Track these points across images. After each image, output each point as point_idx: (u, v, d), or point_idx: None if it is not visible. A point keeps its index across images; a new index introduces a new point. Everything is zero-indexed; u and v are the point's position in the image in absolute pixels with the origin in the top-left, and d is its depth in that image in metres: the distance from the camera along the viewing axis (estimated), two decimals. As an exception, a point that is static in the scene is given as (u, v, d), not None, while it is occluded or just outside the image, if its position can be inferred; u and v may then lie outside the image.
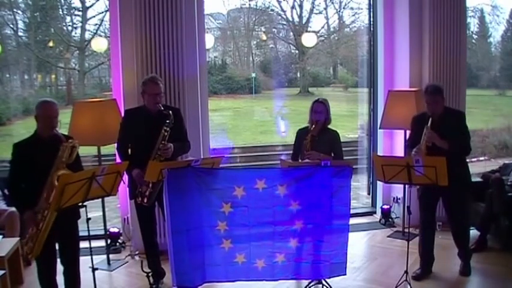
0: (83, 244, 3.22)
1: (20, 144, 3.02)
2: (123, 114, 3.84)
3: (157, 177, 3.21)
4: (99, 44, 14.02)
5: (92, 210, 3.31)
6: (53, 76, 16.71)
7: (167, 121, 3.38)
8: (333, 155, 3.73)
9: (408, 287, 3.51)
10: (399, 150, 4.86)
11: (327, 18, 17.83)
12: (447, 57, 4.85)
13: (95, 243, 4.07)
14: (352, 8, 17.90)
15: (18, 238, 3.89)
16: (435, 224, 3.90)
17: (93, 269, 3.10)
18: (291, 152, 3.95)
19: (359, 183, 6.86)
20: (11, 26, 14.31)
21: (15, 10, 14.37)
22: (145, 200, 3.43)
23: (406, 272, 3.53)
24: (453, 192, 3.53)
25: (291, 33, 18.13)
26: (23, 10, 14.85)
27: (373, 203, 5.61)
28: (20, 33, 14.86)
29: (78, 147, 3.03)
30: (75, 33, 15.47)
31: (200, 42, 4.47)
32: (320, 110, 3.74)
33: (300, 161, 3.74)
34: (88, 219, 3.02)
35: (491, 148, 12.17)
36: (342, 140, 3.84)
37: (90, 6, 14.88)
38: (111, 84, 4.77)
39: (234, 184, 3.23)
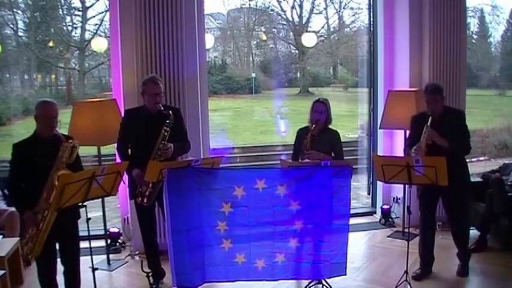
0: (83, 244, 3.22)
1: (20, 144, 3.02)
2: (123, 114, 3.84)
3: (157, 177, 3.21)
4: (99, 44, 14.02)
5: (92, 210, 3.31)
6: (53, 76, 16.72)
7: (167, 121, 3.38)
8: (333, 155, 3.73)
9: (408, 287, 3.51)
10: (399, 150, 4.85)
11: (327, 18, 17.87)
12: (447, 57, 4.85)
13: (95, 243, 4.07)
14: (352, 8, 17.95)
15: (18, 238, 3.89)
16: (435, 224, 3.90)
17: (93, 269, 3.10)
18: (291, 151, 3.95)
19: (359, 183, 6.86)
20: (11, 26, 14.34)
21: (15, 10, 14.39)
22: (145, 200, 3.43)
23: (406, 272, 3.53)
24: (453, 192, 3.53)
25: (291, 33, 18.14)
26: (23, 10, 14.87)
27: (373, 203, 5.61)
28: (20, 33, 14.89)
29: (78, 148, 3.03)
30: (75, 33, 15.51)
31: (200, 42, 4.47)
32: (320, 110, 3.74)
33: (300, 160, 3.74)
34: (88, 219, 3.02)
35: (491, 148, 12.17)
36: (342, 140, 3.84)
37: (90, 6, 14.92)
38: (111, 84, 4.77)
39: (234, 184, 3.23)
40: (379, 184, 5.32)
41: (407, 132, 4.00)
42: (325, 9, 17.70)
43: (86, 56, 15.64)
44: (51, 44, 15.00)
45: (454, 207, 3.72)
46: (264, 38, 18.67)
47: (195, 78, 4.42)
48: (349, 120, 12.68)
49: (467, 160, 3.78)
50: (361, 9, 16.41)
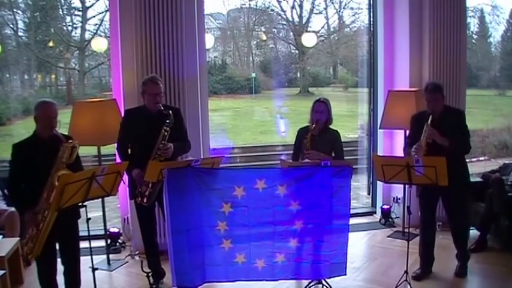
0: (83, 244, 3.22)
1: (20, 144, 3.02)
2: (123, 114, 3.84)
3: (157, 177, 3.21)
4: (99, 44, 14.02)
5: (92, 210, 3.31)
6: (53, 76, 16.73)
7: (167, 121, 3.38)
8: (333, 154, 3.73)
9: (408, 287, 3.51)
10: (399, 150, 4.85)
11: (327, 18, 17.88)
12: (447, 57, 4.85)
13: (95, 243, 4.07)
14: (352, 8, 17.96)
15: (18, 238, 3.89)
16: (435, 224, 3.90)
17: (93, 269, 3.10)
18: (291, 151, 3.95)
19: (359, 183, 6.86)
20: (11, 26, 14.35)
21: (15, 10, 14.40)
22: (145, 200, 3.43)
23: (406, 272, 3.53)
24: (453, 192, 3.53)
25: (291, 33, 18.15)
26: (23, 10, 14.88)
27: (373, 203, 5.61)
28: (20, 33, 14.89)
29: (78, 148, 3.03)
30: (75, 33, 15.52)
31: (200, 42, 4.47)
32: (321, 110, 3.73)
33: (300, 160, 3.73)
34: (88, 219, 3.02)
35: (491, 148, 12.17)
36: (342, 140, 3.83)
37: (90, 6, 14.93)
38: (111, 84, 4.77)
39: (234, 184, 3.23)
40: (379, 184, 5.32)
41: (407, 132, 4.00)
42: (325, 9, 17.74)
43: (86, 56, 15.65)
44: (51, 44, 15.01)
45: (454, 207, 3.72)
46: (264, 38, 18.68)
47: (195, 78, 4.42)
48: (349, 120, 12.68)
49: (467, 160, 3.79)
50: (361, 9, 16.45)
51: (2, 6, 14.10)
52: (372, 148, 5.57)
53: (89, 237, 3.05)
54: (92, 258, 3.10)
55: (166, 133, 3.37)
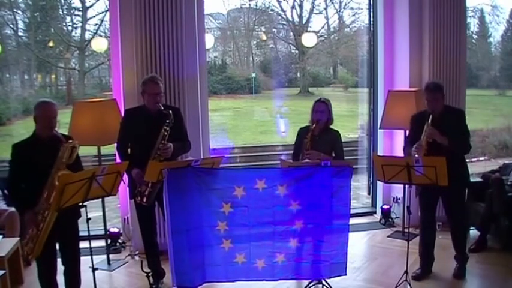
0: (83, 244, 3.22)
1: (19, 145, 3.02)
2: (123, 114, 3.84)
3: (158, 177, 3.21)
4: (99, 44, 14.02)
5: (92, 210, 3.31)
6: (53, 76, 16.73)
7: (167, 121, 3.38)
8: (333, 155, 3.73)
9: (408, 287, 3.50)
10: (399, 150, 4.85)
11: (327, 18, 17.88)
12: (447, 57, 4.85)
13: (95, 243, 4.07)
14: (352, 8, 17.96)
15: (18, 238, 3.89)
16: (435, 224, 3.90)
17: (93, 269, 3.10)
18: (291, 151, 3.95)
19: (359, 183, 6.86)
20: (11, 26, 14.34)
21: (15, 10, 14.39)
22: (144, 200, 3.43)
23: (406, 272, 3.53)
24: (453, 192, 3.53)
25: (291, 33, 18.15)
26: (23, 10, 14.88)
27: (373, 203, 5.61)
28: (20, 33, 14.89)
29: (78, 148, 3.03)
30: (75, 33, 15.52)
31: (200, 42, 4.47)
32: (322, 110, 3.73)
33: (300, 160, 3.73)
34: (88, 219, 3.02)
35: (491, 148, 12.17)
36: (342, 140, 3.83)
37: (90, 6, 14.93)
38: (111, 84, 4.77)
39: (234, 184, 3.23)
40: (379, 184, 5.32)
41: (407, 131, 4.00)
42: (325, 9, 17.74)
43: (86, 56, 15.65)
44: (51, 44, 15.01)
45: (454, 207, 3.72)
46: (264, 38, 18.68)
47: (195, 78, 4.42)
48: (349, 120, 12.68)
49: (467, 160, 3.78)
50: (361, 9, 16.45)
51: (2, 6, 14.10)
52: (372, 148, 5.57)
53: (89, 237, 3.05)
54: (92, 258, 3.10)
55: (166, 133, 3.37)
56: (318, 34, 17.38)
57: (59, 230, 2.91)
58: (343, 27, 18.12)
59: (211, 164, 3.39)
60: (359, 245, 4.62)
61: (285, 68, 18.37)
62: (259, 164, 10.89)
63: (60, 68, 16.20)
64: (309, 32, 17.13)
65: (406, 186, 3.69)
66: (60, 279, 3.16)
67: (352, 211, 3.50)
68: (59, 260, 3.14)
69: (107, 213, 4.45)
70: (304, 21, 17.74)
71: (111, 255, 4.35)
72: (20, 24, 14.72)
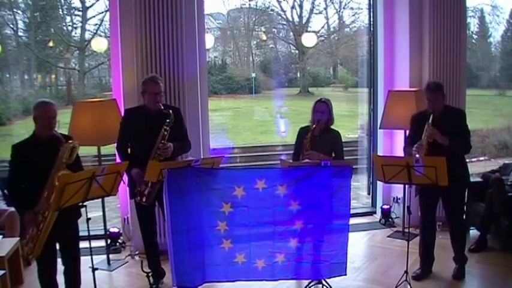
0: (83, 244, 3.22)
1: (19, 145, 3.01)
2: (123, 114, 3.84)
3: (158, 177, 3.21)
4: (99, 44, 14.03)
5: (92, 210, 3.31)
6: (53, 76, 16.73)
7: (167, 120, 3.38)
8: (333, 155, 3.73)
9: (408, 287, 3.51)
10: (399, 150, 4.85)
11: (327, 18, 17.88)
12: (447, 57, 4.85)
13: (95, 243, 4.07)
14: (352, 8, 17.96)
15: (18, 238, 3.89)
16: (435, 224, 3.89)
17: (93, 269, 3.10)
18: (291, 151, 3.95)
19: (359, 183, 6.86)
20: (11, 26, 14.34)
21: (15, 10, 14.39)
22: (144, 199, 3.42)
23: (406, 272, 3.53)
24: (453, 192, 3.53)
25: (291, 33, 18.15)
26: (23, 10, 14.88)
27: (373, 203, 5.61)
28: (20, 33, 14.89)
29: (78, 148, 3.03)
30: (75, 33, 15.52)
31: (200, 42, 4.47)
32: (322, 110, 3.73)
33: (300, 160, 3.73)
34: (88, 219, 3.02)
35: (491, 148, 12.17)
36: (342, 140, 3.83)
37: (90, 6, 14.93)
38: (111, 84, 4.77)
39: (234, 184, 3.23)
40: (379, 184, 5.32)
41: (407, 131, 4.00)
42: (325, 9, 17.74)
43: (86, 56, 15.65)
44: (51, 44, 15.01)
45: (454, 207, 3.72)
46: (264, 38, 18.68)
47: (195, 78, 4.42)
48: (349, 120, 12.68)
49: (467, 160, 3.78)
50: (361, 9, 16.45)
51: (2, 6, 14.10)
52: (372, 148, 5.57)
53: (89, 237, 3.05)
54: (92, 258, 3.09)
55: (166, 132, 3.37)
56: (318, 34, 17.38)
57: (59, 230, 2.91)
58: (343, 27, 18.13)
59: (211, 164, 3.39)
60: (359, 245, 4.62)
61: (285, 68, 18.37)
62: (259, 164, 10.89)
63: (60, 68, 16.20)
64: (309, 32, 17.13)
65: (406, 186, 3.69)
66: (60, 279, 3.16)
67: (352, 211, 3.51)
68: (59, 260, 3.14)
69: (107, 213, 4.45)
70: (304, 21, 17.75)
71: (111, 255, 4.35)
72: (20, 24, 14.75)
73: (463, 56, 4.91)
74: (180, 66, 4.29)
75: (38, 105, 3.02)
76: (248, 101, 17.28)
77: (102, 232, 4.45)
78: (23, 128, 11.02)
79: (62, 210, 2.75)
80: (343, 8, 17.68)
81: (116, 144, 3.66)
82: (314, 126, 3.69)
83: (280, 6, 17.51)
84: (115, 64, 4.50)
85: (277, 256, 3.36)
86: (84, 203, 2.92)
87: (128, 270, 4.14)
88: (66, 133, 3.37)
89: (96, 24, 14.98)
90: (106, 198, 3.64)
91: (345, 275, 3.42)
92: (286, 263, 3.38)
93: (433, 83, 3.69)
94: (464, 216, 3.91)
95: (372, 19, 5.50)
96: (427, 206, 3.76)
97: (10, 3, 14.30)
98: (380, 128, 4.99)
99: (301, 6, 17.51)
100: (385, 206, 5.23)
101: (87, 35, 15.17)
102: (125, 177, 3.38)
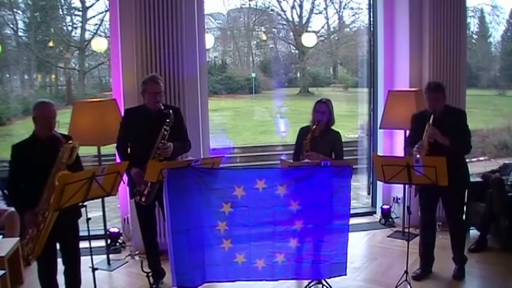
0: (83, 244, 3.22)
1: (19, 145, 3.01)
2: (123, 114, 3.84)
3: (158, 177, 3.21)
4: (99, 44, 14.03)
5: (92, 210, 3.31)
6: (53, 76, 16.73)
7: (167, 120, 3.38)
8: (333, 156, 3.73)
9: (408, 287, 3.51)
10: (399, 150, 4.86)
11: (327, 18, 17.88)
12: (447, 57, 4.85)
13: (95, 243, 4.07)
14: (352, 8, 17.96)
15: (18, 238, 3.89)
16: (435, 224, 3.90)
17: (93, 269, 3.10)
18: (291, 152, 3.94)
19: (359, 183, 6.86)
20: (11, 26, 14.34)
21: (15, 10, 14.39)
22: (143, 199, 3.42)
23: (406, 272, 3.53)
24: (453, 192, 3.53)
25: (291, 33, 18.15)
26: (23, 10, 14.88)
27: (373, 203, 5.61)
28: (20, 33, 14.89)
29: (78, 148, 3.03)
30: (75, 33, 15.52)
31: (200, 42, 4.47)
32: (322, 110, 3.73)
33: (300, 160, 3.73)
34: (88, 219, 3.02)
35: (491, 148, 12.17)
36: (342, 140, 3.83)
37: (90, 6, 14.93)
38: (111, 84, 4.77)
39: (234, 184, 3.23)
40: (379, 184, 5.32)
41: (408, 131, 4.00)
42: (325, 9, 17.74)
43: (86, 56, 15.65)
44: (51, 44, 15.01)
45: (454, 208, 3.72)
46: (264, 38, 18.68)
47: (195, 78, 4.42)
48: (349, 120, 12.67)
49: (467, 160, 3.78)
50: (361, 9, 16.45)
51: (2, 6, 14.10)
52: (372, 148, 5.57)
53: (89, 237, 3.05)
54: (92, 258, 3.10)
55: (166, 132, 3.37)
56: (318, 34, 17.38)
57: (59, 230, 2.91)
58: (343, 27, 18.13)
59: (211, 164, 3.39)
60: (359, 245, 4.62)
61: (285, 68, 18.37)
62: (259, 164, 10.89)
63: (60, 68, 16.20)
64: (309, 32, 17.13)
65: (406, 186, 3.69)
66: (61, 279, 3.16)
67: (352, 211, 3.51)
68: (59, 260, 3.14)
69: (107, 213, 4.46)
70: (304, 21, 17.75)
71: (111, 255, 4.35)
72: (20, 24, 14.75)
73: (463, 56, 4.91)
74: (180, 66, 4.29)
75: (38, 105, 3.02)
76: (248, 101, 17.28)
77: (102, 232, 4.45)
78: (23, 128, 11.02)
79: (62, 210, 2.76)
80: (343, 8, 17.71)
81: (115, 144, 3.66)
82: (314, 127, 3.69)
83: (280, 6, 17.54)
84: (115, 64, 4.50)
85: (277, 256, 3.36)
86: (84, 203, 2.92)
87: (128, 270, 4.14)
88: (66, 133, 3.38)
89: (96, 24, 15.02)
90: (106, 198, 3.64)
91: (345, 275, 3.42)
92: (286, 263, 3.38)
93: (434, 83, 3.70)
94: (464, 216, 3.90)
95: (371, 19, 5.50)
96: (427, 206, 3.76)
97: (10, 3, 14.30)
98: (380, 128, 4.99)
99: (301, 6, 17.53)
100: (385, 206, 5.23)
101: (87, 35, 15.20)
102: (125, 177, 3.38)
